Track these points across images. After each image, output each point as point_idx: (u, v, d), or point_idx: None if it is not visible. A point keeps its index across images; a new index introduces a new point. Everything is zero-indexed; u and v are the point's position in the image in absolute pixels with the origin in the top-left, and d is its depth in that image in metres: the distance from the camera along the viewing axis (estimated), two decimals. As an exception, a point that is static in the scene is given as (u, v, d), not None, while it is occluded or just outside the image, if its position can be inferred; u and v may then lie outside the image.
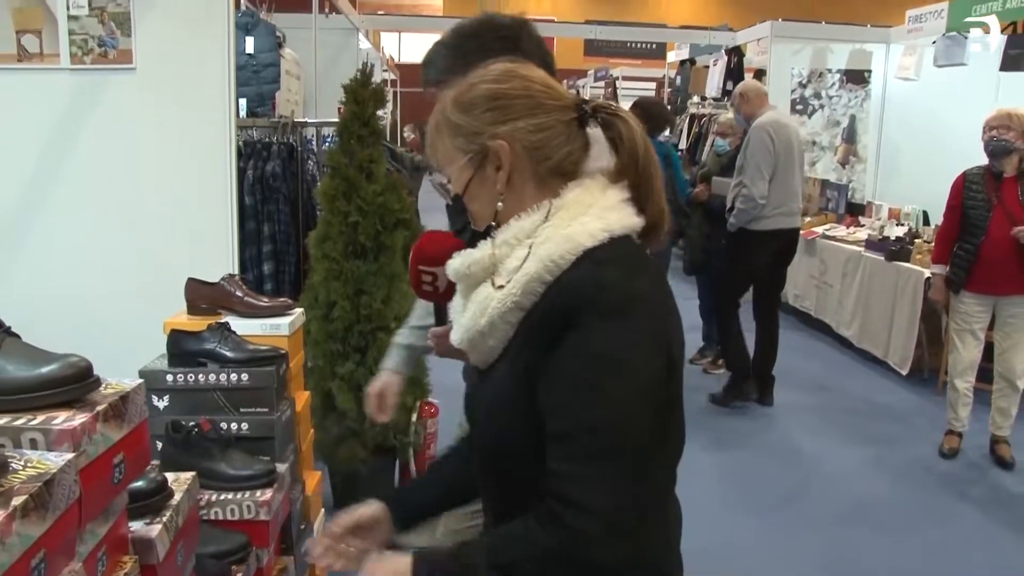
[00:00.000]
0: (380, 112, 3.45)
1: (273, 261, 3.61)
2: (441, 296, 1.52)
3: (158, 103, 3.22)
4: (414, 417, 3.46)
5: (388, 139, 8.03)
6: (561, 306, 1.10)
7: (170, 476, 1.80)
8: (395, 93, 14.19)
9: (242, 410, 2.20)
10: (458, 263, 1.21)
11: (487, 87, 1.19)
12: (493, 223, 1.20)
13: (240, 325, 2.36)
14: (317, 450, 3.48)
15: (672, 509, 1.29)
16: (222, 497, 1.99)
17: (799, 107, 7.59)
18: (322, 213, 3.39)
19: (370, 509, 1.36)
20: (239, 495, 2.00)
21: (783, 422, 4.86)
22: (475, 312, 1.18)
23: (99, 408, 1.14)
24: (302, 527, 2.42)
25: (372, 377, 3.38)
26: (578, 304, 1.08)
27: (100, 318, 3.28)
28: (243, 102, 4.51)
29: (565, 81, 15.60)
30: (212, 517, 1.99)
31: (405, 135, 10.40)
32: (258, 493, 2.01)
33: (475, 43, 1.59)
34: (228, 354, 2.20)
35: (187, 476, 1.69)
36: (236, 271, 3.29)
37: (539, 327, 1.12)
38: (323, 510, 2.70)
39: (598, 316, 1.08)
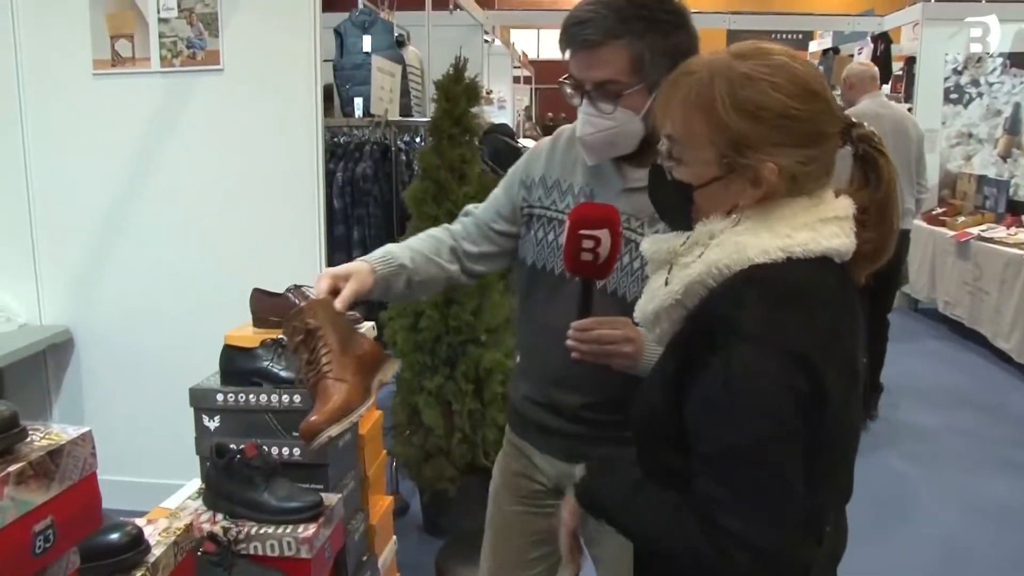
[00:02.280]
0: (475, 109, 3.25)
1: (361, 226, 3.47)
2: (599, 268, 1.42)
3: (244, 103, 3.15)
4: (506, 435, 3.24)
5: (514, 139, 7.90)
6: (706, 320, 1.10)
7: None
8: (531, 90, 14.07)
9: (294, 434, 2.03)
10: (650, 243, 1.25)
11: (783, 101, 1.09)
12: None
13: (302, 340, 2.20)
14: (404, 468, 3.32)
15: (827, 549, 1.20)
16: (262, 531, 1.83)
17: (953, 96, 6.91)
18: (411, 217, 3.21)
19: None
20: (280, 529, 1.83)
21: (921, 444, 4.35)
22: (646, 298, 1.21)
23: (10, 470, 0.96)
24: (364, 558, 2.24)
25: (460, 392, 3.24)
26: (718, 322, 1.08)
27: (182, 326, 3.24)
28: (359, 101, 4.44)
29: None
30: (252, 552, 1.83)
31: (526, 131, 10.22)
32: (300, 528, 1.83)
33: (643, 11, 1.46)
34: (281, 373, 2.04)
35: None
36: (323, 256, 3.18)
37: (688, 335, 1.14)
38: (394, 538, 2.51)
39: (738, 338, 1.05)
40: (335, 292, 1.50)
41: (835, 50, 8.88)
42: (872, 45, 7.47)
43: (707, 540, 1.05)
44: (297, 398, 2.01)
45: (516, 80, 11.93)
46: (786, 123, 1.09)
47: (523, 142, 5.52)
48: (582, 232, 1.40)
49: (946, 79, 6.86)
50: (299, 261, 3.13)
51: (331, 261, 3.37)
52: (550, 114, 14.54)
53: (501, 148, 4.11)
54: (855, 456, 1.19)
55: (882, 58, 7.29)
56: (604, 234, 1.39)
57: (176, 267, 3.26)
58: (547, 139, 1.75)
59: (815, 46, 10.04)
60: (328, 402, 1.38)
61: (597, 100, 1.50)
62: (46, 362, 3.46)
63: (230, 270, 3.14)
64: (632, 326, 1.41)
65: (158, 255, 3.27)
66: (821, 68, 9.13)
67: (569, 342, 1.44)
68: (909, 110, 6.29)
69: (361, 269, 1.55)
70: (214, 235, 3.23)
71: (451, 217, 3.12)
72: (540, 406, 1.70)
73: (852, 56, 8.12)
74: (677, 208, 1.20)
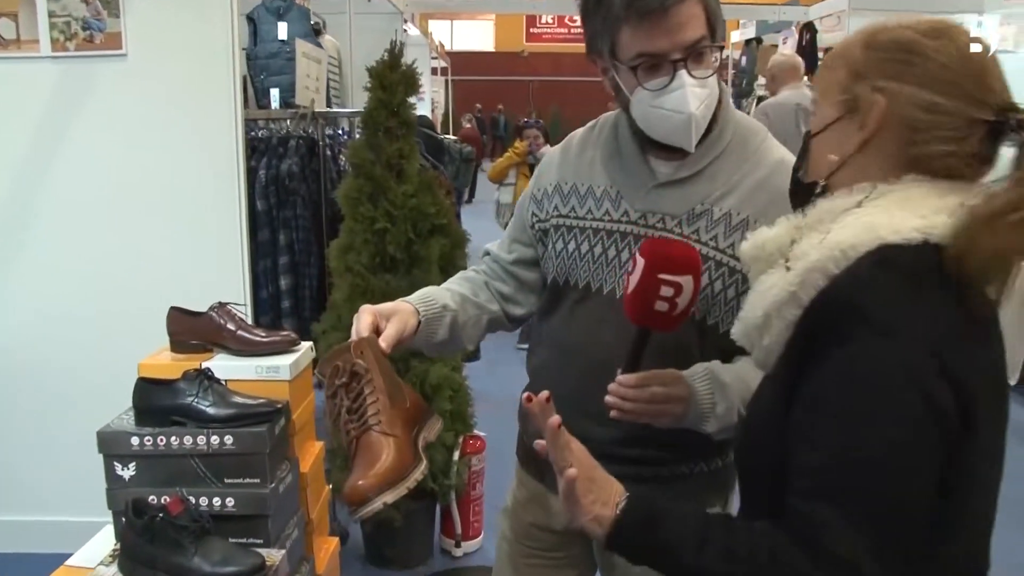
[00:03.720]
0: (412, 99, 2.95)
1: (291, 275, 3.15)
2: (672, 320, 1.21)
3: (153, 94, 2.79)
4: (456, 455, 2.97)
5: (439, 131, 7.60)
6: (828, 311, 0.92)
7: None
8: (447, 82, 13.80)
9: (227, 481, 1.73)
10: (751, 243, 1.07)
11: (909, 34, 0.98)
12: (821, 183, 1.03)
13: (232, 367, 1.89)
14: (341, 501, 3.02)
15: None
16: (194, 605, 1.52)
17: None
18: (345, 219, 2.90)
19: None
20: (215, 602, 1.53)
21: None
22: (754, 302, 1.03)
23: None
24: (312, 618, 1.95)
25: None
26: (845, 311, 0.91)
27: (87, 345, 2.85)
28: (275, 92, 4.11)
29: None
30: (181, 631, 1.52)
31: (464, 124, 9.97)
32: (240, 599, 1.53)
33: None
34: (209, 410, 1.73)
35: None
36: (247, 287, 2.85)
37: (801, 333, 0.95)
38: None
39: (869, 331, 0.89)
40: (376, 332, 1.29)
41: (758, 40, 8.86)
42: (797, 35, 7.42)
43: (813, 570, 0.87)
44: (229, 438, 1.71)
45: (434, 72, 11.65)
46: (908, 56, 0.97)
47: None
48: (662, 277, 1.17)
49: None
50: (219, 270, 2.79)
51: (255, 269, 3.03)
52: (479, 105, 14.30)
53: (422, 140, 3.83)
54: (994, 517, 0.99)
55: (808, 48, 7.23)
56: (687, 281, 1.18)
57: (79, 280, 2.88)
58: (555, 148, 1.56)
59: (737, 36, 10.00)
60: (377, 462, 1.16)
61: (693, 67, 1.26)
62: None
63: (142, 283, 2.79)
64: (683, 382, 1.28)
65: (56, 267, 2.88)
66: (744, 59, 9.12)
67: (610, 399, 1.24)
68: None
69: (404, 309, 1.36)
70: (122, 244, 2.86)
71: (390, 218, 2.85)
72: None
73: (776, 46, 8.08)
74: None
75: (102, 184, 2.83)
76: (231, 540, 1.73)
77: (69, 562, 1.77)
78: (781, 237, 1.03)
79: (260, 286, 3.08)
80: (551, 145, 5.57)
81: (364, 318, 1.29)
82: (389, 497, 1.13)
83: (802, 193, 1.07)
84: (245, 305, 2.77)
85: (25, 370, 2.96)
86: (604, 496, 1.02)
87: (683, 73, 1.25)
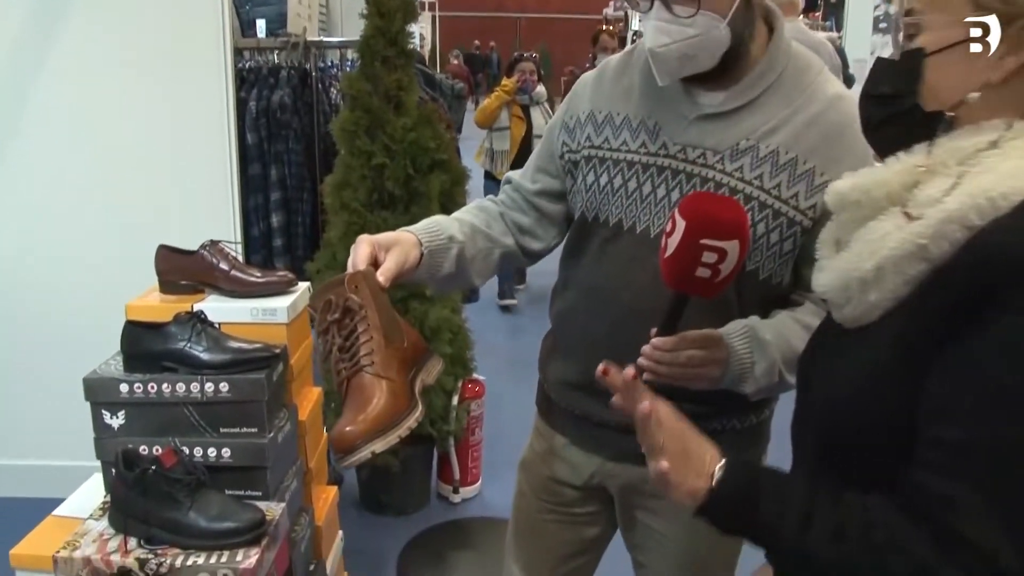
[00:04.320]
0: (412, 27, 2.80)
1: (283, 212, 3.01)
2: (714, 286, 1.08)
3: (139, 21, 2.62)
4: (455, 400, 2.88)
5: (426, 66, 7.36)
6: (981, 269, 0.78)
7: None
8: (433, 18, 13.48)
9: (223, 431, 1.63)
10: (850, 184, 0.92)
11: None
12: (948, 114, 0.86)
13: (225, 309, 1.78)
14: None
15: None
16: (191, 561, 1.43)
17: (883, 25, 6.73)
18: (341, 154, 2.76)
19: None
20: (214, 558, 1.44)
21: None
22: (860, 252, 0.88)
23: None
24: (311, 567, 1.87)
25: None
26: (1010, 272, 0.77)
27: (74, 287, 2.74)
28: (261, 23, 3.93)
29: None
30: (177, 588, 1.43)
31: (451, 59, 9.71)
32: (239, 556, 1.44)
33: None
34: (203, 356, 1.62)
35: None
36: (238, 224, 2.72)
37: (941, 291, 0.81)
38: (340, 533, 2.14)
39: None
40: (374, 264, 1.18)
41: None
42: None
43: (934, 554, 0.77)
44: (224, 386, 1.60)
45: (420, 6, 11.36)
46: None
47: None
48: (706, 243, 1.04)
49: (876, 7, 6.66)
50: (209, 207, 2.67)
51: (245, 205, 2.90)
52: (476, 42, 14.01)
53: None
54: None
55: (809, -15, 7.03)
56: (733, 247, 1.05)
57: (61, 219, 2.76)
58: (590, 73, 1.43)
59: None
60: (368, 406, 1.07)
61: (673, 2, 1.15)
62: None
63: (128, 221, 2.67)
64: (721, 344, 1.19)
65: (38, 206, 2.76)
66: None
67: (643, 361, 1.13)
68: (840, 39, 6.08)
69: (405, 240, 1.26)
70: (106, 180, 2.73)
71: (388, 153, 2.71)
72: (579, 390, 1.38)
73: (777, -19, 7.85)
74: (896, 114, 0.91)
75: (86, 118, 2.68)
76: (228, 493, 1.65)
77: (57, 512, 1.69)
78: (893, 179, 0.89)
79: (251, 223, 2.95)
80: (542, 84, 5.38)
81: (361, 249, 1.18)
82: (378, 445, 1.05)
83: (904, 124, 0.91)
84: (237, 243, 2.65)
85: (9, 313, 2.84)
86: (698, 466, 0.92)
87: (658, 5, 1.16)
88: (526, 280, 6.03)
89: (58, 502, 1.70)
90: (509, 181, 1.48)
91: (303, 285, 1.95)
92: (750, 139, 1.23)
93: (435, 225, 1.31)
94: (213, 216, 2.65)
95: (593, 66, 2.05)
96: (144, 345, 1.63)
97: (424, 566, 2.69)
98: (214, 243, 1.91)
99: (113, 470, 1.55)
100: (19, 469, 2.92)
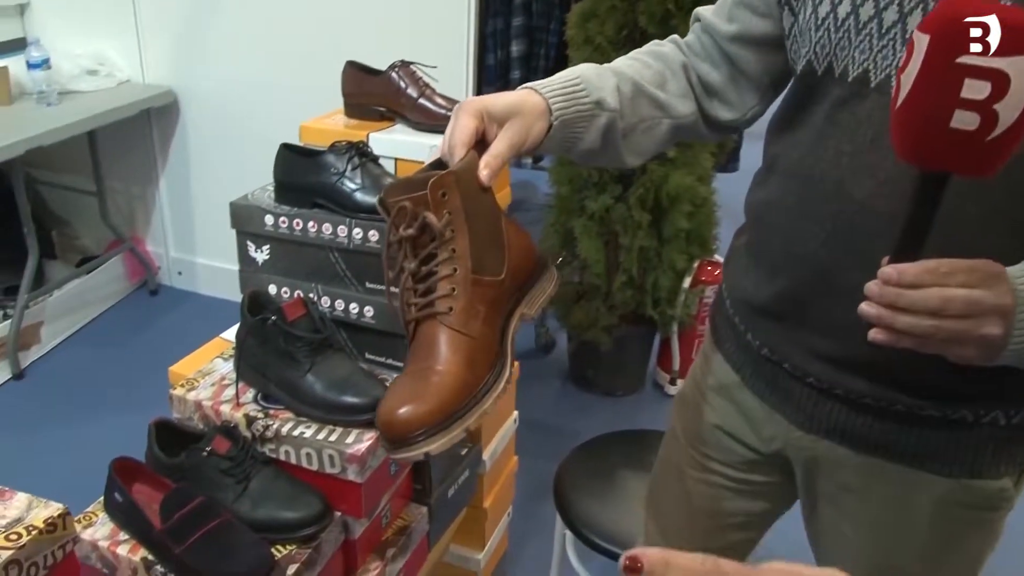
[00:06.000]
0: None
1: (525, 40, 2.67)
2: (987, 152, 0.64)
3: None
4: (685, 282, 2.50)
5: None
6: None
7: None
8: None
9: (368, 285, 1.40)
10: None
11: None
12: None
13: (401, 143, 1.53)
14: (551, 307, 2.67)
15: None
16: (298, 431, 1.23)
17: None
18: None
19: None
20: (322, 433, 1.23)
21: None
22: None
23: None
24: (463, 452, 1.65)
25: (632, 222, 2.49)
26: None
27: (290, 103, 2.62)
28: None
29: None
30: (282, 458, 1.25)
31: None
32: (351, 437, 1.22)
33: None
34: (356, 194, 1.37)
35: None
36: (471, 49, 2.43)
37: None
38: (515, 413, 1.90)
39: None
40: (480, 142, 0.84)
41: None
42: None
43: None
44: (374, 233, 1.35)
45: None
46: None
47: None
48: (965, 62, 0.61)
49: None
50: (440, 28, 2.39)
51: (482, 29, 2.59)
52: None
53: None
54: None
55: None
56: (1018, 67, 0.60)
57: (287, 37, 2.63)
58: None
59: None
60: (432, 377, 0.77)
61: None
62: (151, 125, 2.99)
63: (352, 38, 2.46)
64: (1002, 282, 0.71)
65: (269, 19, 2.64)
66: None
67: (867, 307, 0.73)
68: None
69: (528, 107, 0.87)
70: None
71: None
72: (771, 319, 0.97)
73: None
74: None
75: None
76: (368, 357, 1.44)
77: (225, 334, 1.58)
78: None
79: (488, 50, 2.65)
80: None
81: (463, 122, 0.83)
82: (436, 444, 0.75)
83: None
84: (466, 71, 2.37)
85: (238, 120, 2.84)
86: None
87: None
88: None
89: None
90: (699, 19, 1.03)
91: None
92: None
93: (578, 82, 0.91)
94: (444, 38, 2.37)
95: None
96: (296, 174, 1.41)
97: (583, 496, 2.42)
98: (405, 64, 1.63)
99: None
100: (222, 271, 3.01)
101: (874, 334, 0.72)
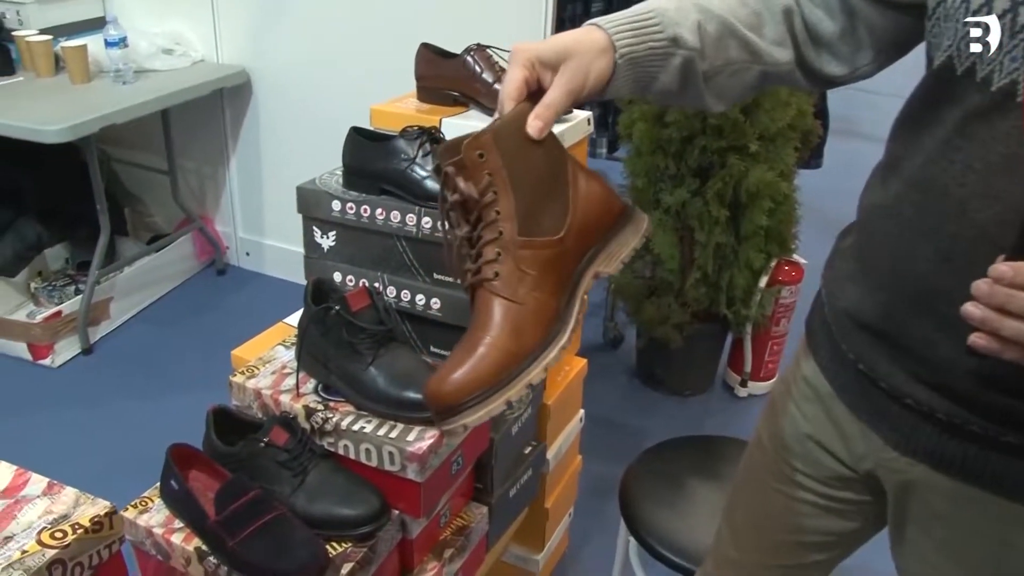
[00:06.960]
0: None
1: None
2: None
3: None
4: (762, 281, 2.40)
5: None
6: None
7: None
8: None
9: (436, 277, 1.35)
10: None
11: None
12: None
13: (472, 129, 1.45)
14: (621, 298, 2.60)
15: None
16: (358, 425, 1.19)
17: None
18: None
19: None
20: (383, 429, 1.18)
21: None
22: None
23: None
24: (526, 450, 1.59)
25: (709, 217, 2.40)
26: None
27: (363, 85, 2.58)
28: None
29: None
30: (340, 452, 1.21)
31: None
32: (412, 435, 1.17)
33: None
34: (426, 182, 1.33)
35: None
36: (549, 32, 2.35)
37: None
38: (580, 412, 1.83)
39: None
40: (534, 93, 0.79)
41: None
42: None
43: None
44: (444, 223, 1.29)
45: None
46: None
47: None
48: None
49: None
50: (517, 9, 2.32)
51: (560, 12, 2.51)
52: None
53: None
54: None
55: None
56: None
57: (360, 18, 2.61)
58: None
59: None
60: (476, 349, 0.74)
61: None
62: (223, 105, 2.99)
63: (428, 20, 2.42)
64: None
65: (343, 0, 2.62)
66: None
67: (971, 308, 0.64)
68: None
69: (585, 47, 0.78)
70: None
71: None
72: (871, 334, 0.87)
73: None
74: None
75: None
76: (432, 350, 1.39)
77: (287, 320, 1.55)
78: None
79: (563, 24, 2.57)
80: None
81: (513, 73, 0.77)
82: (472, 417, 0.73)
83: None
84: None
85: (310, 102, 2.82)
86: None
87: None
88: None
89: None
90: None
91: (581, 115, 1.57)
92: None
93: (652, 16, 0.80)
94: (521, 21, 2.31)
95: None
96: (365, 159, 1.37)
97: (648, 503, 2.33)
98: (481, 48, 1.57)
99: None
100: (290, 254, 3.01)
101: (975, 339, 0.64)
